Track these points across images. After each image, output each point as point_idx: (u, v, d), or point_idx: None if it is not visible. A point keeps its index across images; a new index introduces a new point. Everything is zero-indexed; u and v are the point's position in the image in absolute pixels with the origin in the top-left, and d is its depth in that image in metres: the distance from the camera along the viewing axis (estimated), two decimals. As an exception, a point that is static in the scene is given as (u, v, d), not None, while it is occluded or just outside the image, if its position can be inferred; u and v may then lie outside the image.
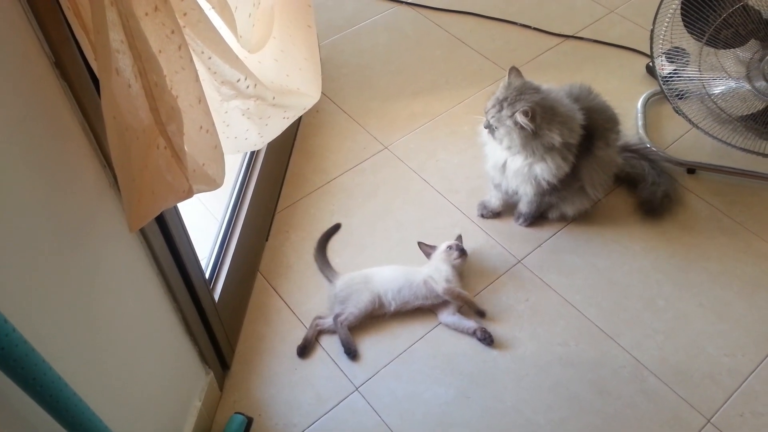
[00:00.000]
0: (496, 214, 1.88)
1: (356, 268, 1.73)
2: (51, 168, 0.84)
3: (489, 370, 1.56)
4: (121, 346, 1.07)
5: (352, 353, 1.57)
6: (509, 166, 1.69)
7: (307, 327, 1.63)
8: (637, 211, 1.87)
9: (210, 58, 0.96)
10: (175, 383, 1.31)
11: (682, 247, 1.79)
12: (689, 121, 1.84)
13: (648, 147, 1.95)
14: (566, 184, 1.69)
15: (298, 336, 1.61)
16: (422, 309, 1.65)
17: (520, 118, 1.53)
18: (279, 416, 1.49)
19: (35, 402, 0.75)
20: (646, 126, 2.07)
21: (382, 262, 1.75)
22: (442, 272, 1.65)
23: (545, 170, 1.63)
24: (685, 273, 1.73)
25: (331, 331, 1.61)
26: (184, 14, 0.87)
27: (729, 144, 1.81)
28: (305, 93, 1.29)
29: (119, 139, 0.79)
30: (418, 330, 1.63)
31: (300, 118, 2.13)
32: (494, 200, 1.85)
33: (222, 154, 1.00)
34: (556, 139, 1.56)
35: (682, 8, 1.65)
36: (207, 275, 1.51)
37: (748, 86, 1.72)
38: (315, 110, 2.18)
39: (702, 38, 1.67)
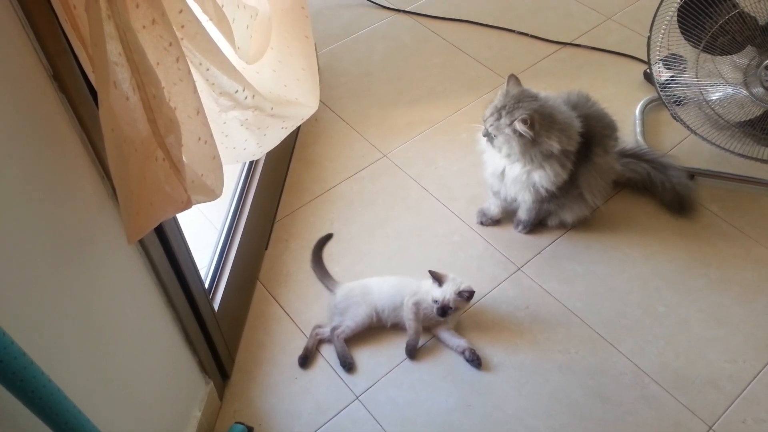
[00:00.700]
0: (495, 222, 1.88)
1: (355, 276, 1.73)
2: (49, 180, 0.84)
3: (489, 377, 1.56)
4: (121, 357, 1.07)
5: (348, 366, 1.56)
6: (508, 173, 1.70)
7: (307, 336, 1.63)
8: (665, 214, 1.86)
9: (208, 69, 0.96)
10: (175, 393, 1.31)
11: (682, 253, 1.79)
12: (687, 127, 1.84)
13: (645, 149, 1.95)
14: (565, 192, 1.69)
15: (298, 345, 1.61)
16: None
17: (520, 126, 1.54)
18: (279, 426, 1.49)
19: (34, 414, 0.75)
20: (644, 133, 2.07)
21: (381, 269, 1.75)
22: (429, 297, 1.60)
23: (544, 177, 1.63)
24: (684, 279, 1.73)
25: (330, 341, 1.61)
26: (182, 26, 0.88)
27: (727, 150, 1.81)
28: (303, 103, 1.29)
29: (117, 151, 0.80)
30: (418, 338, 1.63)
31: (299, 127, 2.14)
32: (493, 208, 1.85)
33: (221, 165, 1.00)
34: (554, 146, 1.57)
35: (678, 15, 1.66)
36: (207, 285, 1.51)
37: (745, 92, 1.72)
38: (314, 119, 2.18)
39: (699, 45, 1.67)
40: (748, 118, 1.75)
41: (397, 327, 1.63)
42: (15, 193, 0.78)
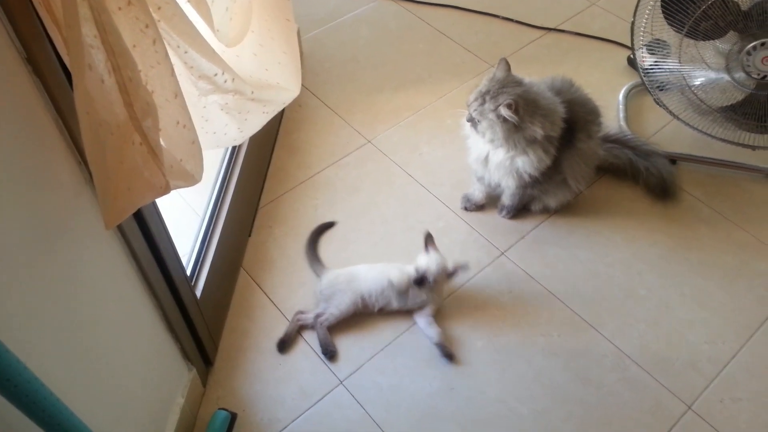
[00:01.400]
0: (479, 207, 1.88)
1: (341, 262, 1.73)
2: (24, 166, 0.83)
3: (473, 361, 1.57)
4: (101, 345, 1.07)
5: (329, 354, 1.57)
6: (491, 159, 1.70)
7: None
8: (647, 199, 1.88)
9: (186, 52, 0.95)
10: (157, 380, 1.31)
11: (664, 238, 1.80)
12: (670, 112, 1.85)
13: (628, 135, 1.96)
14: (548, 177, 1.70)
15: (282, 331, 1.61)
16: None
17: (504, 111, 1.54)
18: (263, 411, 1.49)
19: (11, 403, 0.74)
20: (627, 118, 2.08)
21: (367, 256, 1.75)
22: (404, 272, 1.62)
23: (527, 163, 1.64)
24: (666, 263, 1.75)
25: (313, 327, 1.61)
26: (159, 8, 0.86)
27: (709, 135, 1.82)
28: (285, 87, 1.28)
29: (93, 135, 0.78)
30: (402, 323, 1.63)
31: (282, 113, 2.13)
32: (477, 193, 1.85)
33: (200, 150, 0.99)
34: (538, 131, 1.57)
35: (662, 0, 1.66)
36: (189, 271, 1.50)
37: (727, 77, 1.73)
38: (297, 104, 2.17)
39: (682, 30, 1.68)
40: (729, 103, 1.77)
41: (384, 312, 1.63)
42: (-12, 178, 0.77)
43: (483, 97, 1.59)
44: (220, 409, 1.45)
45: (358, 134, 2.08)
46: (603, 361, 1.56)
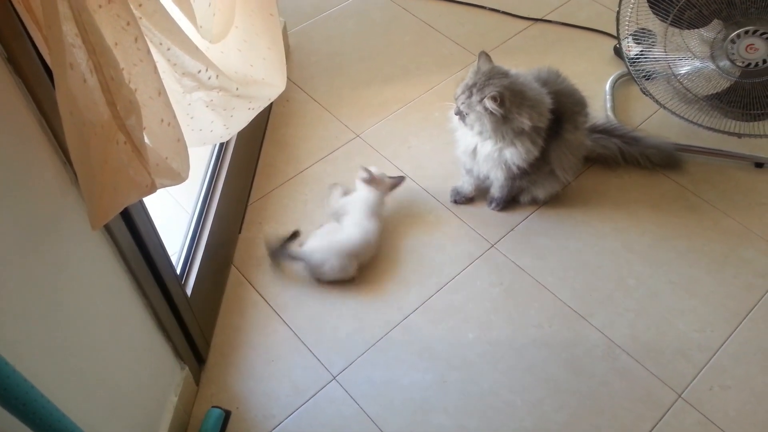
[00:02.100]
0: (468, 200, 1.88)
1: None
2: (8, 167, 0.82)
3: (465, 354, 1.57)
4: (91, 345, 1.06)
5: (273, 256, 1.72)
6: (480, 151, 1.70)
7: (284, 319, 1.62)
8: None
9: (169, 49, 0.94)
10: (150, 379, 1.30)
11: (652, 227, 1.81)
12: (656, 101, 1.86)
13: (616, 125, 1.96)
14: (536, 168, 1.70)
15: (275, 328, 1.61)
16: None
17: (489, 104, 1.54)
18: (257, 408, 1.49)
19: (0, 406, 0.74)
20: (614, 108, 2.09)
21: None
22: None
23: (515, 155, 1.64)
24: (654, 251, 1.76)
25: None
26: (140, 5, 0.85)
27: (695, 123, 1.83)
28: (270, 83, 1.27)
29: (77, 134, 0.78)
30: (394, 317, 1.63)
31: (270, 108, 2.12)
32: (466, 186, 1.85)
33: (186, 147, 0.98)
34: (525, 123, 1.57)
35: (646, -11, 1.67)
36: (179, 269, 1.50)
37: (712, 66, 1.74)
38: (285, 99, 2.16)
39: (667, 19, 1.68)
40: (715, 92, 1.78)
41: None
42: (-29, 180, 0.76)
43: (470, 90, 1.59)
44: (213, 406, 1.45)
45: (347, 128, 2.08)
46: (594, 351, 1.57)
